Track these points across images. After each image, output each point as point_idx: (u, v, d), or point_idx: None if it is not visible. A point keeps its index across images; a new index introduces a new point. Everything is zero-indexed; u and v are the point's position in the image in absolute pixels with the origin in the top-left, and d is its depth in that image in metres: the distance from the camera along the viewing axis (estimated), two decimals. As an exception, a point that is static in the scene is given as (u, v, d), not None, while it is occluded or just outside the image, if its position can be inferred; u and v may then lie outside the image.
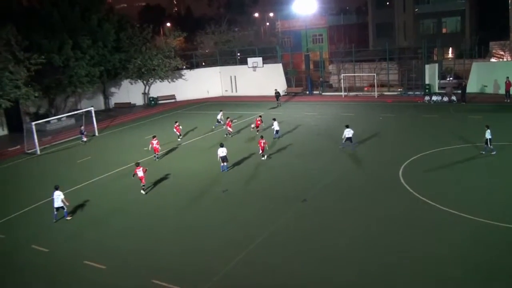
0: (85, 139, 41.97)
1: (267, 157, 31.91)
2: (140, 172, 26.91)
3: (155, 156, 34.34)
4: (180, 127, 39.74)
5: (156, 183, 29.11)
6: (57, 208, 24.30)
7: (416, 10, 69.93)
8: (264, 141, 31.91)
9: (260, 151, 31.97)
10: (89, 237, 22.17)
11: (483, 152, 28.60)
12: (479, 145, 29.63)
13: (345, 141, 31.93)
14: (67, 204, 24.51)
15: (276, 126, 36.99)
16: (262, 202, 24.63)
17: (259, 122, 39.37)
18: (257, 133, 38.19)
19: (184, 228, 22.37)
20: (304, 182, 27.00)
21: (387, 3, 74.28)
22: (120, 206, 25.88)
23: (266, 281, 17.18)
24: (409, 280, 16.38)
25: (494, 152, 28.35)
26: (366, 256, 18.15)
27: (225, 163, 29.67)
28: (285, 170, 29.69)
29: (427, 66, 52.01)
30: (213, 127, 42.39)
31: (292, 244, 19.67)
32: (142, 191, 27.35)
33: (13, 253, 21.40)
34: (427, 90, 50.34)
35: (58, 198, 24.14)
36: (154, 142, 33.99)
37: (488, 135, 28.15)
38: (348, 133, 31.76)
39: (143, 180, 27.26)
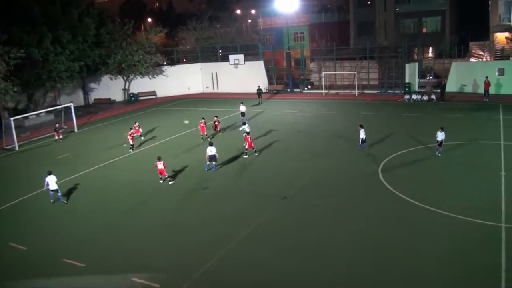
0: (60, 136, 41.42)
1: (248, 155, 31.89)
2: (160, 165, 27.43)
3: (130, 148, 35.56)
4: (141, 129, 39.21)
5: (138, 179, 28.98)
6: (53, 191, 25.53)
7: (397, 9, 70.61)
8: (250, 137, 31.87)
9: (247, 148, 31.67)
10: (68, 234, 21.97)
11: (439, 155, 28.90)
12: (458, 143, 30.19)
13: (361, 142, 31.19)
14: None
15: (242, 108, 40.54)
16: (243, 199, 24.71)
17: (216, 123, 38.70)
18: (220, 133, 38.30)
19: (165, 225, 22.31)
20: (285, 180, 27.10)
21: (368, 2, 74.85)
22: (101, 203, 25.72)
23: (246, 277, 17.26)
24: (394, 276, 16.68)
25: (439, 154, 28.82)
26: (346, 250, 18.41)
27: (213, 162, 29.28)
28: (265, 167, 29.77)
29: (407, 65, 52.63)
30: (242, 121, 41.79)
31: (274, 241, 19.78)
32: (160, 181, 27.88)
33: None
34: (407, 89, 50.92)
35: (53, 181, 25.35)
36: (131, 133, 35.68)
37: (440, 137, 28.56)
38: (363, 133, 30.97)
39: (164, 173, 27.70)
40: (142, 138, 39.08)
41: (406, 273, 16.81)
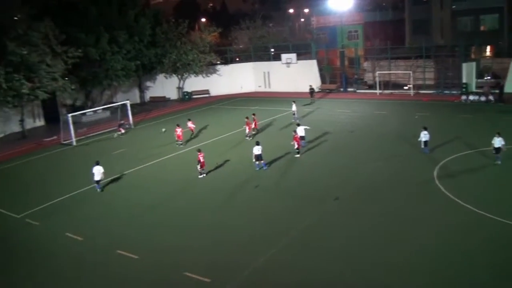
0: (122, 131, 42.90)
1: (300, 154, 31.74)
2: (201, 158, 28.38)
3: (178, 143, 36.82)
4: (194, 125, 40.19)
5: (188, 177, 29.35)
6: (97, 181, 27.50)
7: (454, 7, 68.41)
8: (297, 135, 31.67)
9: (296, 147, 31.58)
10: (122, 228, 22.56)
11: (499, 162, 27.13)
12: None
13: (423, 146, 29.96)
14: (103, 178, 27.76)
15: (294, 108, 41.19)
16: (293, 199, 24.57)
17: (251, 125, 38.20)
18: (249, 138, 37.28)
19: (214, 223, 22.51)
20: (337, 180, 26.78)
21: (424, -1, 72.96)
22: (155, 199, 26.21)
23: (294, 277, 17.15)
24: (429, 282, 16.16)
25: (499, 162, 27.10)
26: (392, 256, 17.98)
27: (261, 161, 29.35)
28: (317, 167, 29.51)
29: (464, 65, 50.84)
30: (293, 120, 41.86)
31: (322, 243, 19.58)
32: (200, 176, 28.73)
33: (47, 240, 21.99)
34: (464, 89, 49.28)
35: (99, 172, 27.31)
36: (178, 130, 36.81)
37: (498, 143, 26.77)
38: (425, 136, 29.64)
39: (203, 165, 28.63)
40: (192, 135, 39.73)
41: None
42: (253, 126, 38.19)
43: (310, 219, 21.79)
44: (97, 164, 27.60)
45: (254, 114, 39.25)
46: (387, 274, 16.81)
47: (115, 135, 42.72)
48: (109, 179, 29.44)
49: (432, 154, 29.51)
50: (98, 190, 27.86)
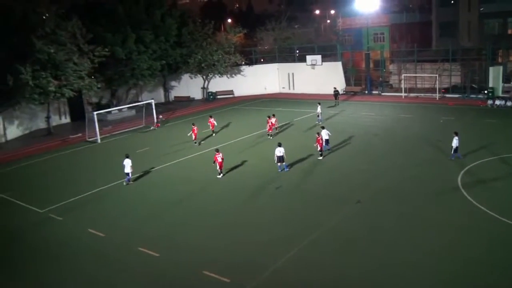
0: (159, 126, 44.75)
1: (323, 156, 31.63)
2: (219, 158, 28.65)
3: (195, 142, 37.89)
4: (215, 123, 41.13)
5: (211, 177, 29.43)
6: (127, 174, 28.74)
7: (481, 9, 67.27)
8: (320, 137, 31.54)
9: (319, 149, 31.42)
10: (144, 226, 22.72)
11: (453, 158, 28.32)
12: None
13: (454, 151, 29.10)
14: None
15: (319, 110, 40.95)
16: (314, 201, 24.45)
17: (273, 124, 38.70)
18: (271, 137, 37.96)
19: (235, 223, 22.52)
20: (360, 183, 26.56)
21: (452, 1, 71.86)
22: (176, 197, 26.37)
23: (314, 280, 17.04)
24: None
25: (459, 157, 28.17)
26: (414, 258, 17.73)
27: (283, 163, 29.25)
28: (340, 170, 29.35)
29: (491, 69, 49.95)
30: (317, 122, 42.10)
31: (344, 246, 19.44)
32: (218, 176, 29.07)
33: (70, 235, 22.27)
34: (490, 94, 48.40)
35: (128, 164, 28.57)
36: (195, 128, 37.99)
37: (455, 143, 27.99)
38: (456, 141, 28.68)
39: (221, 166, 29.11)
40: (214, 134, 40.15)
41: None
42: (271, 125, 38.50)
43: (330, 221, 21.66)
44: (127, 157, 28.79)
45: (274, 115, 39.35)
46: (411, 275, 16.63)
47: (152, 127, 45.11)
48: (133, 176, 29.68)
49: (457, 159, 29.02)
50: (126, 183, 28.79)
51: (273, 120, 38.61)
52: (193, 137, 37.72)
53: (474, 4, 66.94)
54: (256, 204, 24.66)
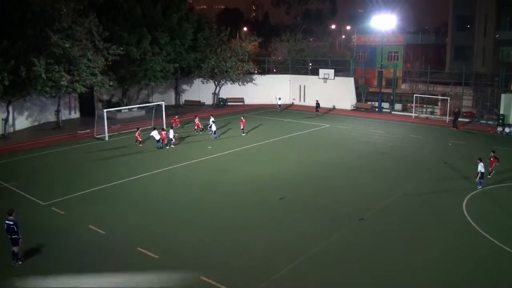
0: (178, 125, 46.02)
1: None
2: (162, 134, 35.36)
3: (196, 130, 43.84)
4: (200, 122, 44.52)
5: (218, 180, 29.44)
6: (158, 140, 37.09)
7: (497, 36, 67.20)
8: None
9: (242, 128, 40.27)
10: (145, 225, 22.65)
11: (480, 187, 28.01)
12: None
13: (479, 178, 28.22)
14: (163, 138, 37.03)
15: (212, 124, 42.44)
16: (319, 215, 24.27)
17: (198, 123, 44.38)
18: (200, 132, 44.06)
19: (238, 230, 22.39)
20: (364, 200, 26.38)
21: (468, 26, 71.92)
22: (180, 200, 26.32)
23: (313, 293, 16.93)
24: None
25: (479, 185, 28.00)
26: (414, 280, 17.59)
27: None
28: (345, 186, 29.19)
29: (503, 95, 49.70)
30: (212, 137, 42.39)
31: (344, 261, 19.29)
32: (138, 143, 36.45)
33: (70, 230, 22.17)
34: (500, 121, 48.18)
35: (156, 134, 37.32)
36: (196, 120, 44.26)
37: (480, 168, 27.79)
38: (482, 167, 27.95)
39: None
40: (218, 136, 40.83)
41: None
42: (241, 127, 43.45)
43: (333, 236, 21.52)
44: (154, 129, 37.69)
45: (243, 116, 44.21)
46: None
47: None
48: (138, 176, 29.69)
49: (463, 184, 28.85)
50: (158, 146, 37.44)
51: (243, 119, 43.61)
52: (196, 126, 43.87)
53: (490, 30, 66.90)
54: (258, 213, 24.52)
